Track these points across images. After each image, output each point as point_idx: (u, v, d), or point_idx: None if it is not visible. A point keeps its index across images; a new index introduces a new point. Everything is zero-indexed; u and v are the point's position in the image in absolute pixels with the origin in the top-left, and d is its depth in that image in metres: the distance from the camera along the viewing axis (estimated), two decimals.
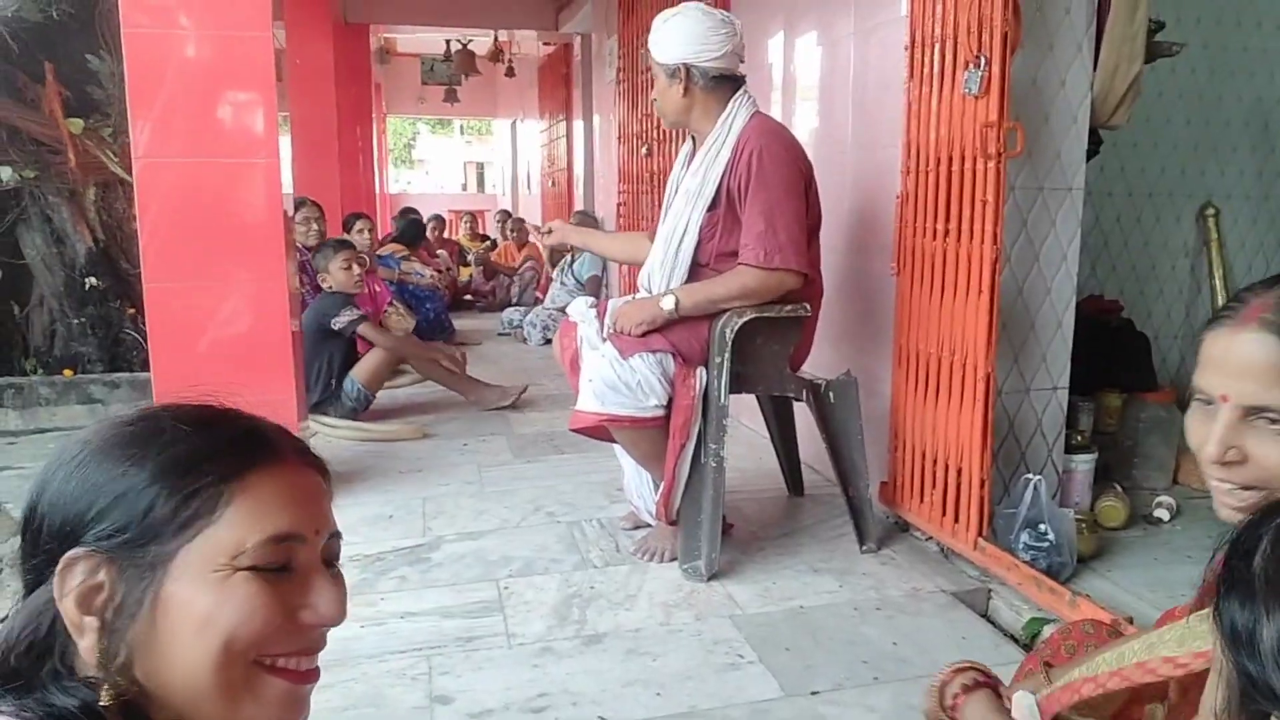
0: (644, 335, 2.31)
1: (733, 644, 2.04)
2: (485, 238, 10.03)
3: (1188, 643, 0.82)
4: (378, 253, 6.11)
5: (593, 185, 7.64)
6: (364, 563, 2.49)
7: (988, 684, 1.14)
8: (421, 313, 5.54)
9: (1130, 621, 1.85)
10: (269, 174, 2.85)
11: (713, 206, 2.39)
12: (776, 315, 2.34)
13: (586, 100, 7.80)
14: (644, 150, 5.15)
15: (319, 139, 6.87)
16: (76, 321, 4.77)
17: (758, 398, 2.89)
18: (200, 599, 0.64)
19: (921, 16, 2.40)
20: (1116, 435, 2.95)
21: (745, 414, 3.48)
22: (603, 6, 6.40)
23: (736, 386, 2.35)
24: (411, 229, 7.31)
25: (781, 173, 2.31)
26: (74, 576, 0.64)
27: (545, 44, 9.32)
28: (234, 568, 0.65)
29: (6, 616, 0.69)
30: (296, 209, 4.57)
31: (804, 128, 3.31)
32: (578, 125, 8.44)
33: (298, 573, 0.68)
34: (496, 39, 9.22)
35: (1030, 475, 2.34)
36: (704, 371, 2.30)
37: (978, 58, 2.18)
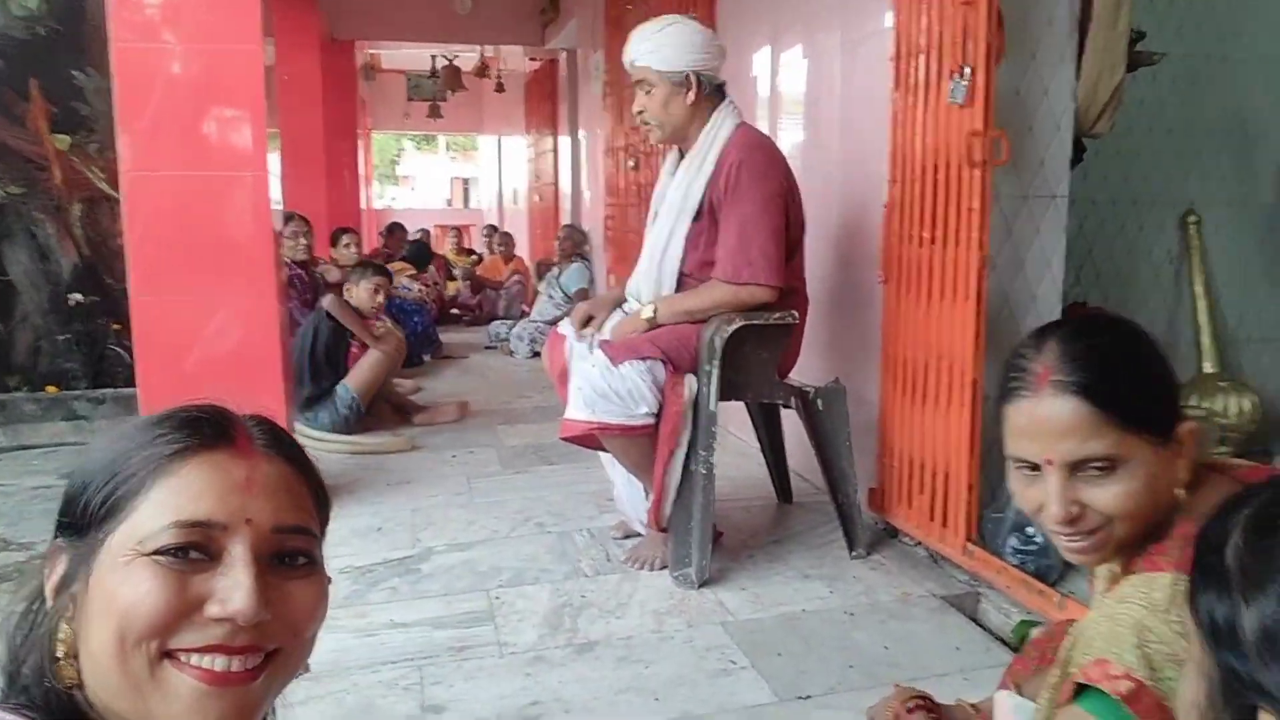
0: (628, 342, 2.33)
1: (725, 650, 2.04)
2: (471, 252, 10.04)
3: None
4: None
5: (580, 199, 7.67)
6: (354, 574, 2.48)
7: (928, 706, 1.15)
8: (409, 326, 5.54)
9: None
10: (258, 188, 2.85)
11: (697, 218, 2.41)
12: (765, 323, 2.36)
13: (573, 115, 7.84)
14: (631, 164, 5.18)
15: (306, 154, 6.87)
16: (61, 338, 4.73)
17: (746, 406, 2.90)
18: (109, 582, 0.63)
19: (907, 28, 2.43)
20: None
21: (733, 423, 3.49)
22: (589, 22, 6.45)
23: (726, 394, 2.37)
24: (419, 251, 7.35)
25: (759, 187, 2.32)
26: (52, 565, 0.67)
27: (531, 59, 9.37)
28: (138, 553, 0.62)
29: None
30: (285, 223, 4.57)
31: (790, 140, 3.34)
32: (564, 140, 8.47)
33: (219, 562, 0.64)
34: (483, 55, 9.25)
35: None
36: (693, 379, 2.31)
37: (962, 68, 2.21)
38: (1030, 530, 2.32)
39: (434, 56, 10.04)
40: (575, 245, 6.82)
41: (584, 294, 6.30)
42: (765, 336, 2.39)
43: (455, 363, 6.04)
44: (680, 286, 2.41)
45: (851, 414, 2.54)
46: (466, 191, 23.42)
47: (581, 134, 7.55)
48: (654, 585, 2.39)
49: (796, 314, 2.42)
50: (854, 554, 2.54)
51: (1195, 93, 3.49)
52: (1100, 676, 0.80)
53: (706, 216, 2.37)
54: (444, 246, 10.15)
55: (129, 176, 2.76)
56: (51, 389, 4.75)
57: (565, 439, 2.41)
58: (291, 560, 0.68)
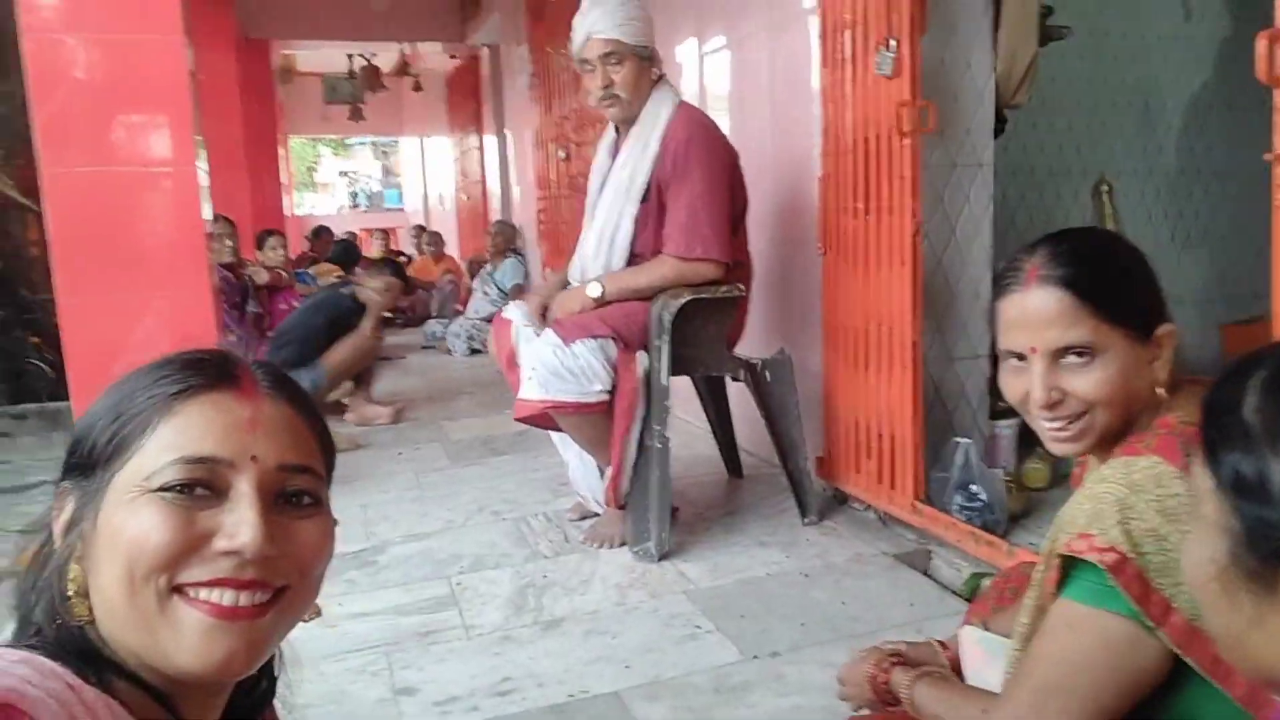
0: (578, 321, 2.35)
1: (689, 617, 2.08)
2: (399, 254, 9.91)
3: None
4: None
5: (509, 196, 7.64)
6: None
7: (903, 661, 1.19)
8: None
9: None
10: (185, 183, 2.77)
11: (645, 199, 2.43)
12: (712, 296, 2.40)
13: (498, 111, 7.80)
14: (562, 155, 5.19)
15: (227, 158, 6.70)
16: None
17: (695, 383, 2.94)
18: (114, 521, 0.63)
19: (833, 4, 2.50)
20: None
21: (679, 406, 3.53)
22: (510, 15, 6.42)
23: (677, 369, 2.40)
24: (345, 251, 7.22)
25: (707, 164, 2.37)
26: (59, 507, 0.67)
27: (452, 56, 9.28)
28: (144, 489, 0.63)
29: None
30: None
31: (721, 124, 3.39)
32: (489, 138, 8.43)
33: (226, 499, 0.65)
34: (402, 53, 9.14)
35: (960, 440, 2.45)
36: (645, 355, 2.34)
37: (888, 40, 2.28)
38: (974, 488, 2.41)
39: (351, 56, 9.88)
40: (507, 241, 6.80)
41: (519, 289, 6.29)
42: (713, 310, 2.44)
43: (394, 363, 5.96)
44: (631, 266, 2.43)
45: (797, 385, 2.60)
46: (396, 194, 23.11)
47: (508, 130, 7.52)
48: (615, 561, 2.41)
49: (743, 287, 2.47)
50: (806, 521, 2.60)
51: (1101, 68, 3.65)
52: (1085, 549, 0.85)
53: (654, 197, 2.40)
54: (371, 249, 10.00)
55: (48, 174, 2.66)
56: None
57: (520, 419, 2.42)
58: (297, 499, 0.69)
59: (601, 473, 2.55)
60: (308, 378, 3.92)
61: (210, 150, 6.48)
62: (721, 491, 2.98)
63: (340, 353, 4.06)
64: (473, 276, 7.25)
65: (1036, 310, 0.95)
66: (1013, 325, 0.98)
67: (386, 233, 10.88)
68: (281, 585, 0.67)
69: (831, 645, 1.90)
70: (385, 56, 9.68)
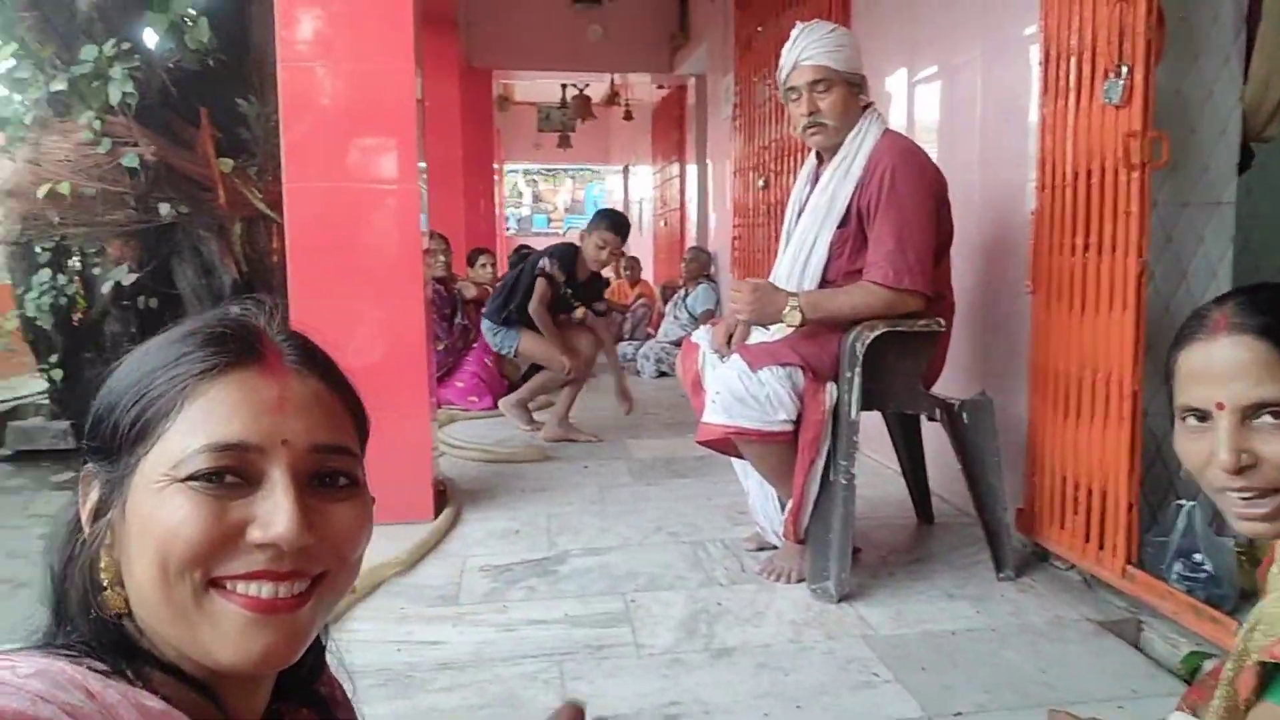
0: (767, 347, 2.31)
1: (866, 663, 1.99)
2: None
3: None
4: None
5: (706, 223, 7.72)
6: (493, 573, 2.54)
7: None
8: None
9: None
10: (408, 201, 2.98)
11: (842, 224, 2.38)
12: (909, 330, 2.31)
13: (700, 139, 7.91)
14: (760, 183, 5.18)
15: (446, 178, 7.15)
16: None
17: (886, 422, 2.84)
18: (143, 511, 0.61)
19: (1056, 30, 2.36)
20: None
21: (868, 443, 3.41)
22: (719, 47, 6.51)
23: (867, 403, 2.32)
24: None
25: (913, 190, 2.29)
26: (83, 491, 0.65)
27: (660, 87, 9.51)
28: (172, 478, 0.60)
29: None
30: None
31: (928, 152, 3.28)
32: (690, 167, 8.57)
33: (259, 487, 0.62)
34: (613, 83, 9.46)
35: (1183, 502, 2.22)
36: (834, 387, 2.28)
37: (1118, 66, 2.13)
38: (1198, 557, 2.18)
39: (564, 86, 10.34)
40: (701, 267, 6.86)
41: (709, 315, 6.32)
42: (909, 345, 2.34)
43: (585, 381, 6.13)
44: None
45: (998, 431, 2.45)
46: None
47: (709, 159, 7.61)
48: (790, 597, 2.36)
49: (944, 322, 2.36)
50: (1001, 575, 2.44)
51: None
52: None
53: (853, 222, 2.34)
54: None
55: (290, 188, 2.92)
56: None
57: (702, 443, 2.41)
58: (333, 481, 0.66)
59: (781, 505, 2.50)
60: (504, 340, 4.10)
61: (430, 171, 6.96)
62: (909, 536, 2.85)
63: (535, 349, 4.16)
64: (665, 301, 7.35)
65: (1225, 361, 0.84)
66: (1195, 378, 0.87)
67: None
68: (320, 572, 0.64)
69: (1023, 712, 1.77)
70: (596, 87, 10.06)
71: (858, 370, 2.26)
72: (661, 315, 7.24)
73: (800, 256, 2.40)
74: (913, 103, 3.52)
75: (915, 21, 3.44)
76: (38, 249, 4.76)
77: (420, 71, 3.03)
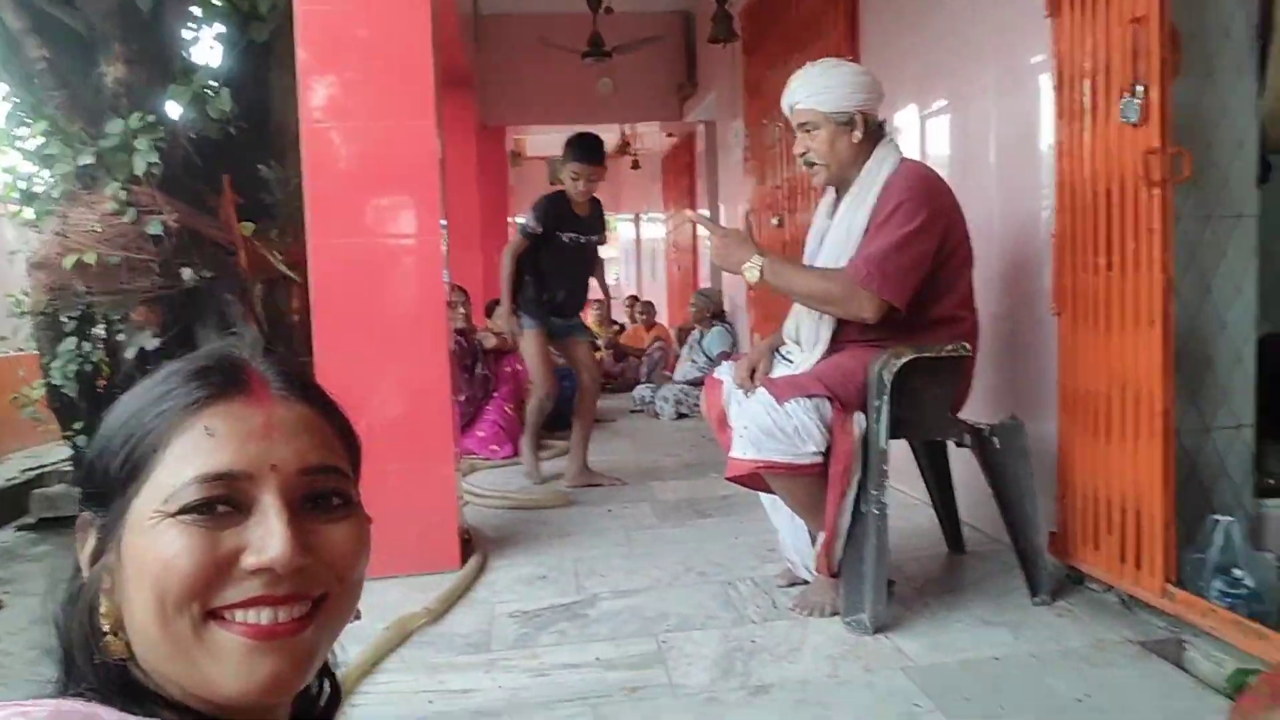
0: (793, 380, 2.31)
1: (907, 694, 1.95)
2: (615, 323, 10.27)
3: None
4: None
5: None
6: (523, 619, 2.52)
7: None
8: (560, 390, 5.67)
9: None
10: (429, 255, 3.00)
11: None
12: (937, 355, 2.30)
13: (711, 184, 8.00)
14: (775, 221, 5.22)
15: (464, 232, 7.25)
16: None
17: (914, 452, 2.82)
18: (137, 550, 0.60)
19: (1069, 53, 2.38)
20: None
21: (895, 475, 3.38)
22: (727, 93, 6.61)
23: (897, 431, 2.31)
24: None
25: (914, 211, 2.27)
26: (81, 539, 0.65)
27: (669, 135, 9.64)
28: (164, 514, 0.60)
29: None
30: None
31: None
32: (703, 211, 8.65)
33: (250, 514, 0.62)
34: (623, 133, 9.59)
35: (1220, 518, 2.19)
36: (862, 416, 2.27)
37: (1134, 85, 2.14)
38: (1238, 572, 2.14)
39: None
40: (710, 308, 6.88)
41: (726, 355, 6.32)
42: (938, 370, 2.33)
43: (603, 426, 6.12)
44: (842, 324, 2.38)
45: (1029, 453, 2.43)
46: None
47: (721, 202, 7.68)
48: (826, 631, 2.32)
49: (969, 346, 2.35)
50: (1037, 600, 2.39)
51: None
52: None
53: None
54: (588, 318, 10.42)
55: (314, 245, 2.96)
56: None
57: (731, 479, 2.39)
58: (326, 501, 0.65)
59: (813, 538, 2.48)
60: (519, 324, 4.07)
61: (449, 226, 7.06)
62: (941, 566, 2.80)
63: (530, 349, 4.12)
64: (681, 343, 7.38)
65: None
66: None
67: (603, 302, 11.32)
68: (320, 594, 0.64)
69: None
70: (605, 138, 10.19)
71: (886, 398, 2.25)
72: (677, 358, 7.25)
73: None
74: (925, 135, 3.55)
75: (926, 55, 3.48)
76: (64, 318, 4.83)
77: (440, 130, 3.09)
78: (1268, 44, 2.32)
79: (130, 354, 4.85)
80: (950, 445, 2.66)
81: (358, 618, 0.69)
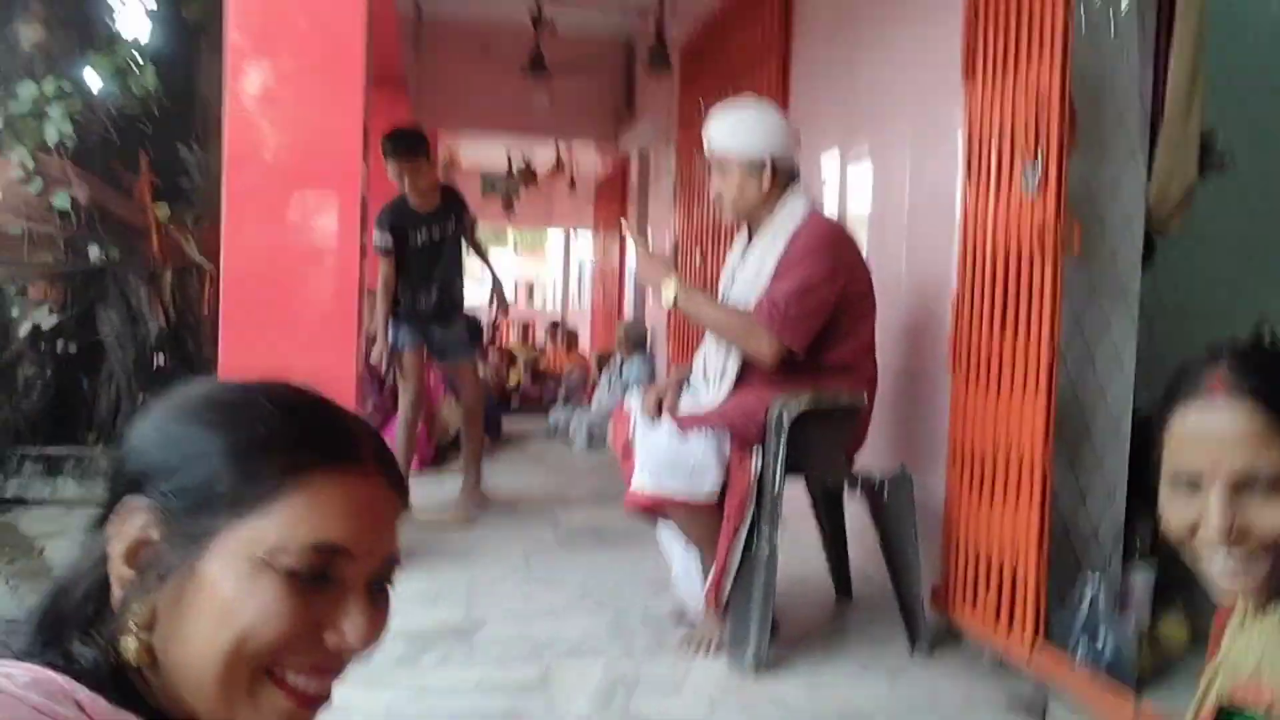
0: (696, 414, 2.35)
1: None
2: (535, 346, 10.30)
3: None
4: None
5: (644, 295, 7.82)
6: (408, 638, 2.48)
7: None
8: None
9: None
10: (346, 258, 2.96)
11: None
12: (834, 405, 2.37)
13: (641, 212, 8.06)
14: (698, 260, 5.29)
15: None
16: (142, 397, 4.91)
17: (810, 493, 2.88)
18: (228, 585, 0.61)
19: (979, 115, 2.49)
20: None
21: (791, 518, 3.45)
22: (662, 121, 6.68)
23: (791, 472, 2.36)
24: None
25: (816, 262, 2.36)
26: (130, 524, 0.63)
27: (606, 156, 9.71)
28: (269, 564, 0.61)
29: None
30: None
31: (858, 233, 3.39)
32: (630, 238, 8.71)
33: (337, 588, 0.64)
34: (559, 152, 9.62)
35: (1089, 579, 2.29)
36: (759, 455, 2.32)
37: (1035, 153, 2.24)
38: (1102, 633, 2.24)
39: (510, 159, 10.48)
40: (637, 340, 6.92)
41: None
42: (833, 417, 2.40)
43: (516, 447, 6.11)
44: (748, 362, 2.43)
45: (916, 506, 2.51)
46: (530, 292, 24.15)
47: (649, 231, 7.75)
48: (709, 670, 2.34)
49: (867, 395, 2.43)
50: (915, 651, 2.47)
51: (1268, 203, 3.45)
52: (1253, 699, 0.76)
53: None
54: (508, 339, 10.41)
55: (229, 240, 2.89)
56: None
57: (629, 508, 2.41)
58: (382, 586, 0.69)
59: (705, 573, 2.51)
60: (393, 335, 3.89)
61: (371, 229, 6.92)
62: (827, 610, 2.87)
63: (408, 365, 3.99)
64: (601, 370, 7.39)
65: (1221, 425, 0.82)
66: (1187, 442, 0.85)
67: (526, 325, 11.36)
68: None
69: None
70: (542, 156, 10.21)
71: (783, 440, 2.30)
72: (595, 385, 7.26)
73: None
74: (845, 184, 3.65)
75: (852, 104, 3.57)
76: None
77: (369, 129, 3.06)
78: (1157, 129, 2.45)
79: (24, 330, 4.65)
80: (845, 495, 2.73)
81: None
